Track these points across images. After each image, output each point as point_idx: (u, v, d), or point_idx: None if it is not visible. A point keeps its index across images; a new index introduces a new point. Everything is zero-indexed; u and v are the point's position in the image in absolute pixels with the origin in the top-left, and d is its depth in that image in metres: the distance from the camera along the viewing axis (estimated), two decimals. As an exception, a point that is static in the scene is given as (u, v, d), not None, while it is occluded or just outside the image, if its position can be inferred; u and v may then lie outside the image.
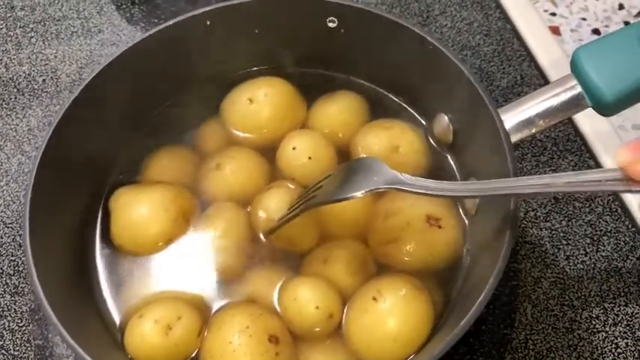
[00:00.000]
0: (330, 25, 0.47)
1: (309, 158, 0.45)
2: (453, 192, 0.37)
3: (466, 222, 0.44)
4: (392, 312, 0.39)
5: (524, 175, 0.52)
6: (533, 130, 0.40)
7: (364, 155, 0.45)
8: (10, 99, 0.59)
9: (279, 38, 0.48)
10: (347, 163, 0.43)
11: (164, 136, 0.48)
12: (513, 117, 0.40)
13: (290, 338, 0.40)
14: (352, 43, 0.47)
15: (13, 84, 0.60)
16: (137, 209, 0.44)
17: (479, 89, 0.41)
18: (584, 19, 0.63)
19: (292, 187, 0.45)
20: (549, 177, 0.34)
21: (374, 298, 0.39)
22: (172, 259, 0.44)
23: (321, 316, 0.40)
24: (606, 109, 0.38)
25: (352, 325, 0.40)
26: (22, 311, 0.49)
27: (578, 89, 0.39)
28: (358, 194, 0.37)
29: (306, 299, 0.40)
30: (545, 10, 0.63)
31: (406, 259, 0.42)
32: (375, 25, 0.45)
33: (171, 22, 0.45)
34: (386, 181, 0.37)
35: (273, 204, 0.43)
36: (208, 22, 0.46)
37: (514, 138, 0.40)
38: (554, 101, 0.40)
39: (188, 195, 0.45)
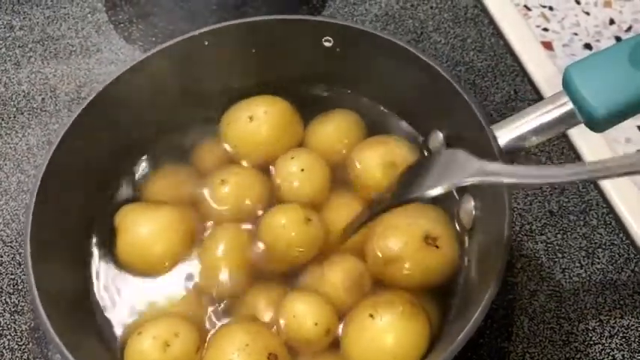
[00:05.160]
0: (326, 44, 0.48)
1: (302, 170, 0.45)
2: (553, 178, 0.33)
3: (462, 238, 0.44)
4: (389, 329, 0.39)
5: (514, 190, 0.53)
6: (527, 146, 0.41)
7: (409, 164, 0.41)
8: (10, 118, 0.60)
9: (276, 57, 0.49)
10: (425, 157, 0.40)
11: (162, 156, 0.49)
12: (507, 134, 0.41)
13: (288, 355, 0.41)
14: (348, 62, 0.48)
15: (12, 103, 0.61)
16: (148, 228, 0.44)
17: (473, 107, 0.42)
18: (575, 34, 0.64)
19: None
20: None
21: (371, 316, 0.39)
22: (173, 277, 0.44)
23: (320, 332, 0.40)
24: (598, 125, 0.39)
25: (350, 342, 0.40)
26: (22, 330, 0.49)
27: (570, 106, 0.40)
28: (439, 190, 0.34)
29: (305, 316, 0.40)
30: (538, 26, 0.64)
31: (403, 277, 0.43)
32: (370, 43, 0.46)
33: (170, 43, 0.46)
34: (471, 173, 0.34)
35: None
36: (206, 43, 0.47)
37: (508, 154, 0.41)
38: (547, 117, 0.40)
39: (194, 215, 0.46)
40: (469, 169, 0.35)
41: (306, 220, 0.43)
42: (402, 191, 0.37)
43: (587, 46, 0.63)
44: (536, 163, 0.55)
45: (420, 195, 0.36)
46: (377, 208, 0.39)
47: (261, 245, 0.44)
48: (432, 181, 0.36)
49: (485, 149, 0.41)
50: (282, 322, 0.41)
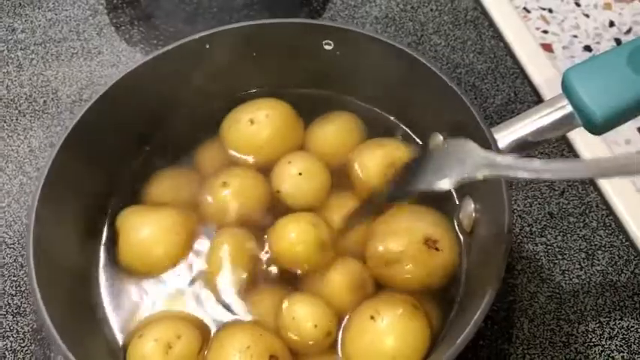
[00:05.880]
0: (326, 47, 0.48)
1: (300, 174, 0.46)
2: (567, 172, 0.31)
3: (462, 240, 0.45)
4: (390, 331, 0.39)
5: (514, 192, 0.54)
6: (526, 149, 0.41)
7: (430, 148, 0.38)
8: (12, 120, 0.60)
9: (277, 60, 0.49)
10: (432, 148, 0.37)
11: (164, 158, 0.49)
12: (506, 136, 0.41)
13: (290, 357, 0.41)
14: (348, 65, 0.48)
15: (14, 105, 0.61)
16: (149, 231, 0.44)
17: (472, 110, 0.42)
18: (575, 36, 0.64)
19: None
20: None
21: (372, 317, 0.40)
22: (175, 279, 0.44)
23: (320, 335, 0.40)
24: (596, 128, 0.39)
25: (351, 344, 0.41)
26: (24, 332, 0.49)
27: (569, 109, 0.40)
28: (446, 186, 0.32)
29: (305, 318, 0.41)
30: (538, 28, 0.64)
31: (404, 280, 0.43)
32: (369, 46, 0.46)
33: (170, 47, 0.46)
34: (477, 166, 0.32)
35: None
36: (207, 46, 0.47)
37: (507, 157, 0.41)
38: (546, 120, 0.41)
39: (195, 218, 0.46)
40: (478, 162, 0.33)
41: (322, 245, 0.43)
42: (408, 184, 0.35)
43: (587, 49, 0.63)
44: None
45: (428, 188, 0.34)
46: (380, 199, 0.37)
47: (267, 252, 0.44)
48: (439, 173, 0.34)
49: (485, 152, 0.41)
50: (282, 324, 0.41)
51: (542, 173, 0.32)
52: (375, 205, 0.38)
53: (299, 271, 0.44)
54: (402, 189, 0.36)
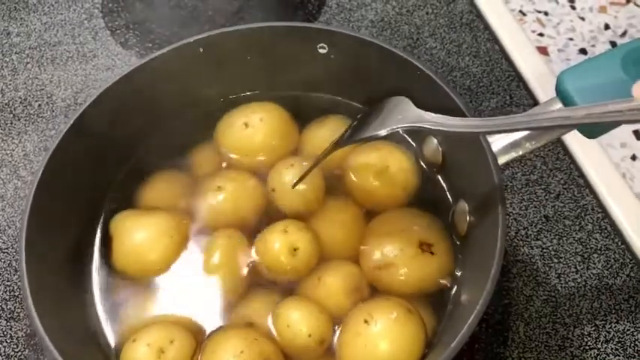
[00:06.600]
0: (321, 51, 0.48)
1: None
2: (481, 128, 0.37)
3: (457, 243, 0.45)
4: (383, 335, 0.39)
5: (510, 195, 0.54)
6: (520, 152, 0.41)
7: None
8: (6, 124, 0.60)
9: (271, 64, 0.49)
10: (375, 104, 0.45)
11: (158, 161, 0.49)
12: (500, 140, 0.41)
13: (284, 362, 0.41)
14: (342, 68, 0.48)
15: (9, 109, 0.61)
16: (143, 235, 0.44)
17: (466, 113, 0.42)
18: (571, 39, 0.64)
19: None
20: (569, 110, 0.35)
21: (365, 321, 0.40)
22: (168, 284, 0.44)
23: (314, 342, 0.40)
24: (590, 132, 0.39)
25: (345, 348, 0.40)
26: (18, 336, 0.49)
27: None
28: (382, 133, 0.41)
29: (299, 326, 0.40)
30: (533, 31, 0.65)
31: (398, 283, 0.43)
32: (364, 50, 0.46)
33: (165, 50, 0.46)
34: (409, 119, 0.40)
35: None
36: (201, 49, 0.47)
37: (501, 160, 0.41)
38: (540, 124, 0.40)
39: (190, 222, 0.46)
40: (409, 117, 0.41)
41: (291, 251, 0.43)
42: (355, 132, 0.44)
43: (583, 51, 0.63)
44: (531, 168, 0.56)
45: (368, 135, 0.42)
46: (335, 146, 0.44)
47: (255, 256, 0.45)
48: (377, 124, 0.42)
49: (479, 155, 0.41)
50: (277, 331, 0.41)
51: (446, 127, 0.39)
52: (336, 147, 0.45)
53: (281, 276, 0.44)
54: (357, 135, 0.43)
